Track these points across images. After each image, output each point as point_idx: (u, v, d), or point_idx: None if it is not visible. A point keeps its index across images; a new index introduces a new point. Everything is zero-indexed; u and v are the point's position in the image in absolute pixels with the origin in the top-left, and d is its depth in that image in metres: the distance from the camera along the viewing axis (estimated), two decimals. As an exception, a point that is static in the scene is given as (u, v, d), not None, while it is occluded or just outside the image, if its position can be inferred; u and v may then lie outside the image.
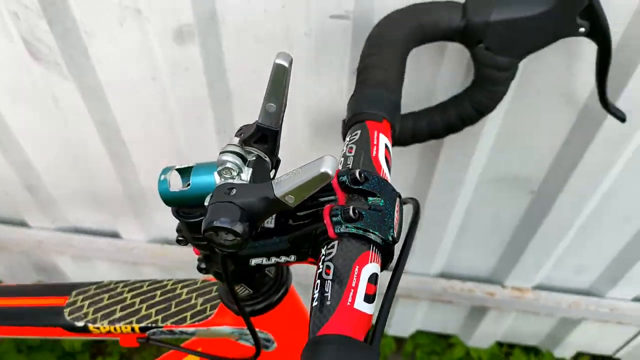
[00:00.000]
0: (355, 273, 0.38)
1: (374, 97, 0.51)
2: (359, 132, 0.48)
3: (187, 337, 0.57)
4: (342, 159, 0.47)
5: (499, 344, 1.41)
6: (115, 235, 1.17)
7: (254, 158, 0.42)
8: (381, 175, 0.45)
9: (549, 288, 1.12)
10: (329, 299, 0.37)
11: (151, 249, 1.15)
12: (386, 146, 0.48)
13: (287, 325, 0.56)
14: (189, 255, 1.16)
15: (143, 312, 0.55)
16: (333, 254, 0.39)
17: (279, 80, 0.39)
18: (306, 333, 0.59)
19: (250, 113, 0.84)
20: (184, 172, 0.44)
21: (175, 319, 0.55)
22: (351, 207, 0.39)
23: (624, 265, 1.01)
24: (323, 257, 0.39)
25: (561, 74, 0.70)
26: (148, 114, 0.86)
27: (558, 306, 1.11)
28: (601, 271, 1.06)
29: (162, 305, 0.56)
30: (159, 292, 0.57)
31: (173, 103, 0.83)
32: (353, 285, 0.37)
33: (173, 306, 0.55)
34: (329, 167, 0.33)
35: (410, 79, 0.62)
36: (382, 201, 0.41)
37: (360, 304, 0.36)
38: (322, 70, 0.74)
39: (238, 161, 0.41)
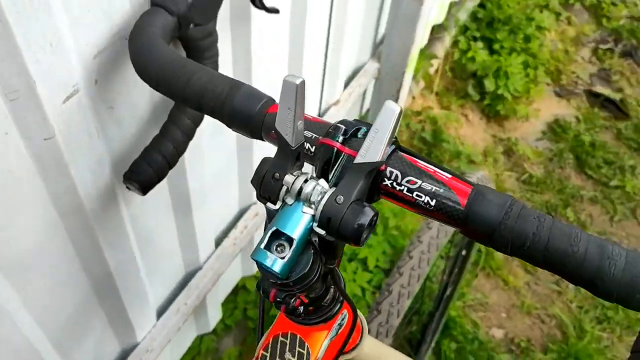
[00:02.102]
0: (422, 166, 0.50)
1: (248, 92, 0.56)
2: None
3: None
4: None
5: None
6: None
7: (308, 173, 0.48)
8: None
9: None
10: (436, 187, 0.47)
11: None
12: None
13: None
14: None
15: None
16: (399, 172, 0.49)
17: (302, 97, 0.44)
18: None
19: None
20: (271, 241, 0.45)
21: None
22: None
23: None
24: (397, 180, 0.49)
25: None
26: None
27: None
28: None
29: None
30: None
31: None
32: (432, 171, 0.49)
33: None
34: (396, 106, 0.43)
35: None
36: (365, 128, 0.51)
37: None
38: (73, 167, 0.68)
39: (314, 181, 0.46)
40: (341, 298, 0.57)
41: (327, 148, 0.49)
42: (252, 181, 0.49)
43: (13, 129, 0.60)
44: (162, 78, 0.58)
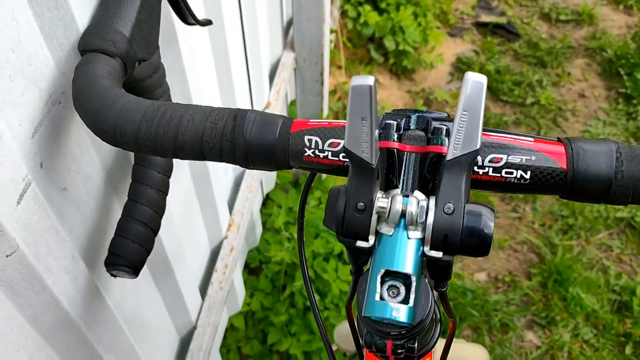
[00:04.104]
0: (498, 137, 0.43)
1: (259, 118, 0.46)
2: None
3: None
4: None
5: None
6: None
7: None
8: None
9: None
10: (525, 156, 0.41)
11: None
12: None
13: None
14: None
15: None
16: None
17: (376, 100, 0.35)
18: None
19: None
20: (388, 282, 0.36)
21: None
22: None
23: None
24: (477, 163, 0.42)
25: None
26: None
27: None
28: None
29: None
30: None
31: None
32: (512, 139, 0.42)
33: None
34: (480, 76, 0.36)
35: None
36: (414, 116, 0.43)
37: None
38: (49, 276, 0.54)
39: (413, 197, 0.37)
40: (438, 316, 0.49)
41: (389, 152, 0.41)
42: (325, 222, 0.39)
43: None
44: (144, 137, 0.45)
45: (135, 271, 0.62)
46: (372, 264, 0.37)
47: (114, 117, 0.46)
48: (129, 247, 0.61)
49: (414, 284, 0.35)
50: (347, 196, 0.38)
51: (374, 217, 0.37)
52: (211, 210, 1.06)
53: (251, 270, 1.60)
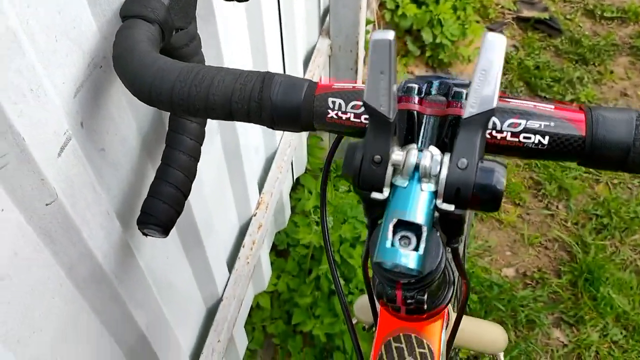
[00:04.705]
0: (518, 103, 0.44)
1: (286, 81, 0.48)
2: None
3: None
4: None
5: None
6: None
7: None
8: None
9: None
10: (544, 122, 0.42)
11: None
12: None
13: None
14: None
15: None
16: (495, 118, 0.43)
17: (395, 55, 0.37)
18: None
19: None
20: (400, 233, 0.38)
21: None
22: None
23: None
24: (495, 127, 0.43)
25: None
26: None
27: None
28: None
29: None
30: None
31: None
32: (531, 106, 0.44)
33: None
34: (499, 36, 0.37)
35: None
36: (437, 82, 0.45)
37: None
38: (85, 228, 0.58)
39: (428, 151, 0.39)
40: (452, 278, 0.51)
41: (409, 114, 0.42)
42: (343, 174, 0.42)
43: (8, 202, 0.49)
44: (177, 96, 0.48)
45: (165, 230, 0.65)
46: (386, 213, 0.39)
47: (151, 78, 0.49)
48: (160, 207, 0.64)
49: (424, 234, 0.37)
50: (364, 149, 0.40)
51: (389, 169, 0.39)
52: (241, 187, 1.10)
53: (279, 252, 1.63)
